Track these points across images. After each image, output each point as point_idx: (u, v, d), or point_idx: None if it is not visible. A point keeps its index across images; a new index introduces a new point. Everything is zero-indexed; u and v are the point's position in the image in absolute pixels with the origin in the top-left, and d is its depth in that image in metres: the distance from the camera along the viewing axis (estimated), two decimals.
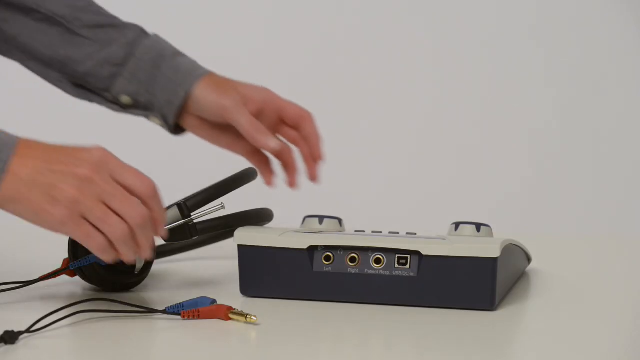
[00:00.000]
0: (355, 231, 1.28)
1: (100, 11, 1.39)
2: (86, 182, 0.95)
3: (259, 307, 1.03)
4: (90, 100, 1.40)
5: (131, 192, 0.98)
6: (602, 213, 2.93)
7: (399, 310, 1.04)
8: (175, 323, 0.97)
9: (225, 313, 0.98)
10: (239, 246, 1.09)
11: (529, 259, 1.25)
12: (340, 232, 1.16)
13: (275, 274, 1.07)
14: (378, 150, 2.94)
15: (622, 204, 2.92)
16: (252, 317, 0.97)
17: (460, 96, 2.97)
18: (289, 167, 1.28)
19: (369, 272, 1.06)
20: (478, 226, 1.16)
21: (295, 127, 1.31)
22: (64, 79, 1.39)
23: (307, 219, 1.18)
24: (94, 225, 0.95)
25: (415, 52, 2.98)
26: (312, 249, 1.07)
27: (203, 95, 1.31)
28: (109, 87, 1.36)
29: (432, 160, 2.98)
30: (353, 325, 1.00)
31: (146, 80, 1.34)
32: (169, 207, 1.09)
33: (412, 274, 1.05)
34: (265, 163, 1.29)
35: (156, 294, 1.11)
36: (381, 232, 1.17)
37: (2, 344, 0.89)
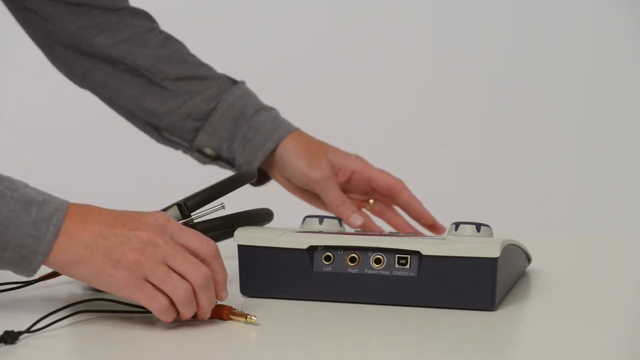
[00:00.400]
0: (355, 231, 1.28)
1: (184, 58, 1.41)
2: (149, 245, 0.94)
3: (259, 307, 1.03)
4: (176, 149, 1.44)
5: (193, 254, 0.97)
6: (602, 213, 2.93)
7: (399, 310, 1.04)
8: (174, 323, 0.97)
9: (226, 313, 0.98)
10: (239, 246, 1.09)
11: (529, 259, 1.25)
12: (340, 232, 1.16)
13: (275, 274, 1.07)
14: (378, 150, 2.94)
15: (622, 204, 2.92)
16: (252, 317, 0.97)
17: (460, 96, 2.97)
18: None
19: (369, 272, 1.06)
20: (478, 226, 1.16)
21: (388, 196, 1.34)
22: (149, 128, 1.43)
23: (307, 219, 1.18)
24: (155, 287, 0.95)
25: (415, 53, 2.98)
26: (312, 249, 1.07)
27: (291, 161, 1.36)
28: (193, 140, 1.39)
29: (432, 160, 2.98)
30: (353, 325, 1.00)
31: (227, 138, 1.38)
32: (169, 207, 1.09)
33: (412, 274, 1.05)
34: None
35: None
36: (381, 232, 1.17)
37: (2, 344, 0.89)
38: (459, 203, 2.92)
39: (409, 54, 2.98)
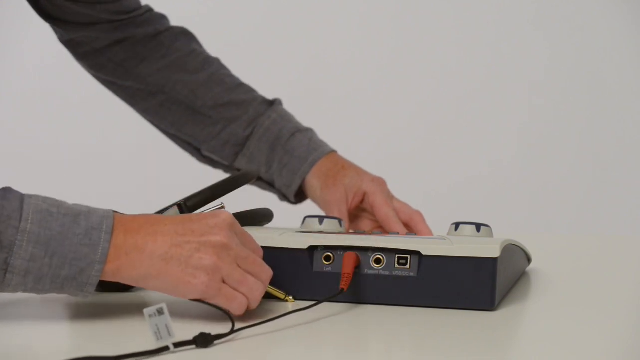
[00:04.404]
0: (355, 231, 1.28)
1: (223, 80, 1.46)
2: (223, 249, 0.96)
3: (258, 307, 1.03)
4: (216, 168, 1.49)
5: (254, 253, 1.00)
6: (602, 213, 2.93)
7: (399, 310, 1.04)
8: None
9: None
10: None
11: (529, 259, 1.25)
12: (340, 232, 1.16)
13: (275, 274, 1.07)
14: (377, 150, 2.94)
15: (622, 204, 2.92)
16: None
17: (460, 96, 2.97)
18: None
19: (369, 272, 1.06)
20: (478, 226, 1.16)
21: (405, 224, 1.36)
22: (191, 149, 1.48)
23: (307, 219, 1.18)
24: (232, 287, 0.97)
25: (415, 53, 2.98)
26: (312, 249, 1.07)
27: (309, 182, 1.41)
28: (232, 164, 1.45)
29: (432, 161, 2.98)
30: (353, 325, 1.00)
31: (265, 162, 1.43)
32: (169, 207, 1.09)
33: (412, 274, 1.05)
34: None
35: (156, 294, 1.11)
36: (381, 232, 1.17)
37: (193, 346, 0.90)
38: (459, 203, 2.93)
39: (409, 54, 2.98)
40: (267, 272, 1.00)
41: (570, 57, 2.94)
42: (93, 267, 0.94)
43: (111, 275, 0.95)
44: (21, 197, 0.94)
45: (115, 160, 2.99)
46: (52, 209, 0.94)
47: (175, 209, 1.10)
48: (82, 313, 1.05)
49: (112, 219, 0.95)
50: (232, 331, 0.93)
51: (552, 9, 2.94)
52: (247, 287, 0.97)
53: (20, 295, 1.11)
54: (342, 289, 1.03)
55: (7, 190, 0.94)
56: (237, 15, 3.00)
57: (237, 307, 0.96)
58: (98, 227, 0.94)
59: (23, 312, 1.05)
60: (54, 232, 0.93)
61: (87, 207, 0.96)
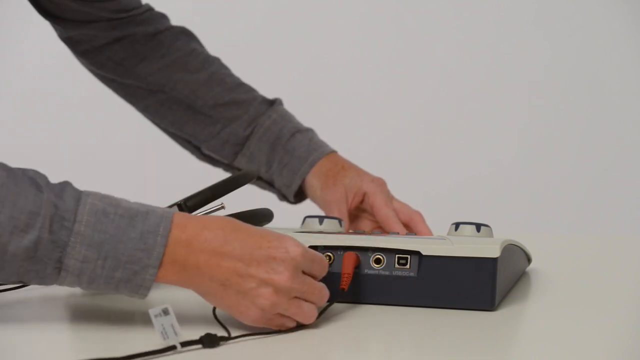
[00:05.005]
0: (355, 231, 1.28)
1: (223, 80, 1.45)
2: (283, 290, 0.94)
3: None
4: (216, 166, 1.49)
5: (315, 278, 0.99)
6: (602, 213, 2.93)
7: (399, 310, 1.04)
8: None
9: None
10: None
11: (529, 259, 1.25)
12: (340, 232, 1.16)
13: None
14: (377, 150, 2.94)
15: (622, 204, 2.92)
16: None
17: (460, 96, 2.97)
18: None
19: (369, 272, 1.06)
20: (478, 226, 1.15)
21: (405, 224, 1.36)
22: (190, 147, 1.48)
23: (307, 219, 1.18)
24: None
25: (415, 53, 2.98)
26: (312, 249, 1.07)
27: (309, 181, 1.40)
28: (232, 163, 1.44)
29: (432, 161, 2.98)
30: (353, 325, 1.00)
31: (265, 162, 1.43)
32: (169, 207, 1.09)
33: (412, 274, 1.05)
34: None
35: (155, 294, 1.11)
36: (381, 233, 1.17)
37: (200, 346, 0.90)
38: (459, 203, 2.93)
39: (409, 55, 2.98)
40: (324, 297, 0.98)
41: (570, 57, 2.94)
42: (147, 271, 0.92)
43: (165, 281, 0.94)
44: (77, 196, 0.92)
45: (115, 160, 2.99)
46: (109, 209, 0.92)
47: (176, 209, 1.10)
48: (82, 313, 1.05)
49: (170, 221, 0.93)
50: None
51: (552, 9, 2.93)
52: (302, 316, 0.96)
53: (20, 295, 1.11)
54: (343, 289, 1.03)
55: (65, 187, 0.93)
56: (237, 15, 3.00)
57: (284, 328, 0.96)
58: (154, 230, 0.93)
59: (23, 312, 1.04)
60: (107, 235, 0.91)
61: (146, 207, 0.94)
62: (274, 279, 0.94)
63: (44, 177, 0.94)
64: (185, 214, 0.95)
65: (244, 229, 0.95)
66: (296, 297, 0.95)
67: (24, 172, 0.93)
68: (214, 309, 0.98)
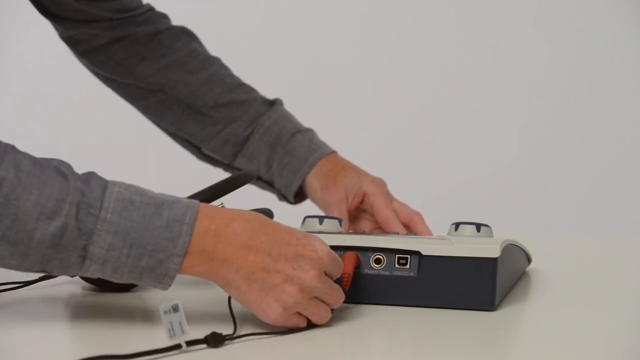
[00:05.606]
0: (355, 231, 1.28)
1: (223, 80, 1.46)
2: (308, 288, 0.94)
3: None
4: (216, 166, 1.49)
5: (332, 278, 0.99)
6: (602, 214, 2.93)
7: (399, 310, 1.04)
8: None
9: None
10: None
11: (529, 259, 1.25)
12: (340, 232, 1.16)
13: None
14: (378, 151, 2.94)
15: (622, 204, 2.92)
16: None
17: (461, 97, 2.97)
18: None
19: (369, 272, 1.06)
20: (478, 226, 1.15)
21: (405, 224, 1.36)
22: (190, 147, 1.48)
23: (307, 219, 1.18)
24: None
25: (415, 53, 2.98)
26: None
27: (309, 182, 1.40)
28: (232, 163, 1.44)
29: (433, 161, 2.97)
30: (353, 325, 1.00)
31: (265, 162, 1.43)
32: None
33: (412, 274, 1.05)
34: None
35: (156, 294, 1.11)
36: (381, 233, 1.17)
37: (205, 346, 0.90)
38: (459, 203, 2.93)
39: (409, 55, 2.98)
40: (340, 300, 0.98)
41: (570, 57, 2.94)
42: (172, 259, 0.92)
43: (190, 271, 0.93)
44: (104, 185, 0.92)
45: (115, 160, 2.99)
46: (135, 197, 0.92)
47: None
48: (82, 313, 1.05)
49: (197, 210, 0.93)
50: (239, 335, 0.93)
51: (552, 10, 2.93)
52: (319, 317, 0.97)
53: (20, 295, 1.11)
54: (343, 289, 1.03)
55: (91, 177, 0.93)
56: (237, 15, 3.00)
57: (299, 327, 0.96)
58: (180, 218, 0.92)
59: (23, 312, 1.04)
60: (134, 223, 0.91)
61: (171, 196, 0.94)
62: (301, 276, 0.94)
63: (69, 166, 0.94)
64: (210, 205, 0.95)
65: (271, 224, 0.95)
66: (315, 297, 0.95)
67: (48, 161, 0.93)
68: (229, 299, 0.97)
